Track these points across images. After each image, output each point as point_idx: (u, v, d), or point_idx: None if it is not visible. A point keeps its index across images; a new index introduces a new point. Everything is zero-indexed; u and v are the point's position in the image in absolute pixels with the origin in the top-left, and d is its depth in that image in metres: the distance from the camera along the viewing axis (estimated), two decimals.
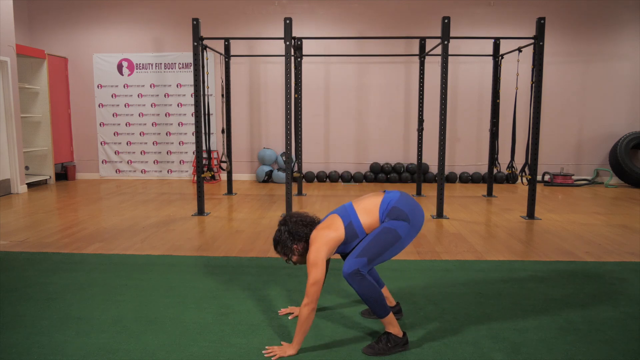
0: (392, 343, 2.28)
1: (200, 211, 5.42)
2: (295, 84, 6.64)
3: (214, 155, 8.25)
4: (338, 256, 3.80)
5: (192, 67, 8.09)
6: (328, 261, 2.37)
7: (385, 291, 2.65)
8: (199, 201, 5.42)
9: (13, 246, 4.12)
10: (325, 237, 2.27)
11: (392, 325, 2.29)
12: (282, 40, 5.57)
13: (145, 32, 8.27)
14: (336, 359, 2.24)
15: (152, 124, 8.44)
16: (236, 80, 8.05)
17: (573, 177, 7.93)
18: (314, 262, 2.22)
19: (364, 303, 2.23)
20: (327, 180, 8.28)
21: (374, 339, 2.42)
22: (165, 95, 8.35)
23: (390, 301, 2.67)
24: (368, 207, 2.34)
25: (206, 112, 5.98)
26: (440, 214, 5.28)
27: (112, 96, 8.41)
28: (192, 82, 8.14)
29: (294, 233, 2.35)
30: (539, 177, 8.16)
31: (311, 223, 2.40)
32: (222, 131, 6.56)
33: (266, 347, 2.32)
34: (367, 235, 2.33)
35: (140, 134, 8.47)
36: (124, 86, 8.38)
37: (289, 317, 2.66)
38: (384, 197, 2.37)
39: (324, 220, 2.41)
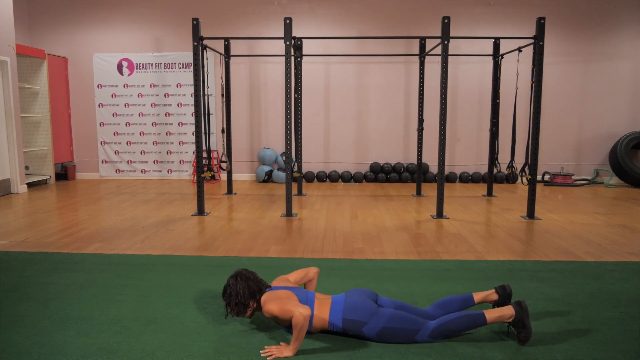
0: (520, 324, 2.32)
1: (200, 211, 5.42)
2: (295, 84, 6.64)
3: (214, 155, 8.25)
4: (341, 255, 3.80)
5: (192, 67, 8.06)
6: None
7: (477, 295, 2.59)
8: (199, 201, 5.42)
9: (13, 246, 4.12)
10: (279, 300, 2.37)
11: (501, 316, 2.34)
12: (282, 40, 5.57)
13: (145, 32, 8.27)
14: (336, 359, 2.24)
15: (152, 124, 8.44)
16: (236, 80, 8.05)
17: (573, 177, 7.93)
18: (285, 308, 2.31)
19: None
20: (327, 180, 8.28)
21: (369, 347, 2.40)
22: (165, 95, 8.35)
23: (492, 295, 2.59)
24: (322, 303, 2.43)
25: (206, 112, 5.98)
26: (440, 214, 5.28)
27: (112, 96, 8.41)
28: (192, 82, 8.14)
29: (252, 290, 2.47)
30: (539, 177, 8.16)
31: (261, 285, 2.52)
32: (222, 131, 6.56)
33: (265, 347, 2.32)
34: (310, 329, 2.41)
35: (140, 133, 8.47)
36: (124, 86, 8.38)
37: None
38: (332, 304, 2.42)
39: (278, 289, 2.49)
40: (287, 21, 5.06)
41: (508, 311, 2.34)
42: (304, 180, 8.27)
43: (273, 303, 2.35)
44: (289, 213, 5.30)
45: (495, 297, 2.58)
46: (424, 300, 2.90)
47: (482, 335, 2.46)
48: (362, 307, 2.37)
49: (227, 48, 6.71)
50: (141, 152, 8.51)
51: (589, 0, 7.86)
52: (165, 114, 8.39)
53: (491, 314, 2.35)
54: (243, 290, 2.45)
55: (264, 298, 2.43)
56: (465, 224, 5.00)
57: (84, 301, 2.89)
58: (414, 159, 8.18)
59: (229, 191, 6.97)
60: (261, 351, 2.29)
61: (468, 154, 8.28)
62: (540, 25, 5.10)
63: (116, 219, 5.20)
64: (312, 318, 2.38)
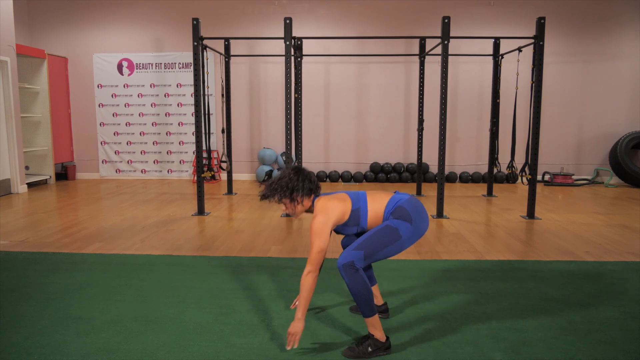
0: (374, 347, 2.23)
1: (201, 211, 5.42)
2: (295, 84, 6.64)
3: (214, 155, 8.25)
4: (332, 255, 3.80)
5: (192, 67, 8.09)
6: (336, 232, 2.42)
7: (375, 289, 2.64)
8: (199, 201, 5.42)
9: (13, 246, 4.12)
10: (333, 208, 2.28)
11: (375, 328, 2.25)
12: (282, 40, 5.57)
13: (145, 32, 8.27)
14: (334, 359, 2.24)
15: (152, 124, 8.44)
16: (236, 80, 8.05)
17: (573, 176, 7.93)
18: (320, 232, 2.21)
19: (355, 299, 2.21)
20: (327, 180, 8.28)
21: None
22: (165, 95, 8.35)
23: (378, 300, 2.66)
24: (377, 201, 2.35)
25: (206, 112, 5.98)
26: (440, 213, 5.28)
27: (112, 96, 8.41)
28: (192, 82, 8.14)
29: (309, 187, 2.36)
30: (539, 177, 8.16)
31: (318, 188, 2.41)
32: (222, 131, 6.56)
33: (287, 343, 2.19)
34: (366, 228, 2.34)
35: (140, 133, 8.47)
36: (124, 86, 8.38)
37: (291, 307, 2.64)
38: (393, 196, 2.37)
39: (333, 193, 2.42)
40: (287, 21, 5.06)
41: (382, 333, 2.26)
42: None
43: (318, 219, 2.24)
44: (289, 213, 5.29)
45: (380, 302, 2.67)
46: (424, 300, 2.90)
47: (482, 335, 2.46)
48: (421, 213, 2.32)
49: (227, 48, 6.71)
50: (141, 152, 8.51)
51: (589, 0, 7.86)
52: (165, 114, 8.39)
53: (377, 321, 2.25)
54: (297, 184, 2.35)
55: (320, 204, 2.32)
56: (465, 223, 5.00)
57: (84, 301, 2.89)
58: (414, 159, 8.18)
59: (229, 191, 6.97)
60: (287, 347, 2.20)
61: (468, 154, 8.28)
62: (540, 25, 5.10)
63: (116, 219, 5.20)
64: (368, 215, 2.32)
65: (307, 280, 2.17)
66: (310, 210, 2.42)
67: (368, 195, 2.38)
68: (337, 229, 2.37)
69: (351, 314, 2.70)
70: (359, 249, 2.21)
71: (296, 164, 6.88)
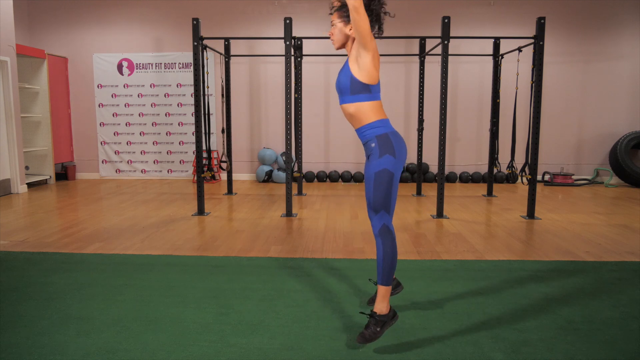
0: (380, 323, 2.27)
1: (201, 211, 5.42)
2: (295, 84, 6.64)
3: (214, 155, 8.25)
4: (333, 256, 3.80)
5: (192, 67, 8.09)
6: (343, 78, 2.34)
7: None
8: (199, 201, 5.42)
9: (13, 246, 4.12)
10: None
11: (384, 299, 2.29)
12: (282, 40, 5.57)
13: (145, 32, 8.27)
14: (336, 359, 2.24)
15: (152, 124, 8.44)
16: (236, 80, 8.05)
17: (573, 176, 7.93)
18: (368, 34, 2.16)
19: (377, 265, 2.28)
20: (327, 180, 8.28)
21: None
22: (165, 95, 8.35)
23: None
24: (378, 108, 2.31)
25: (206, 112, 5.98)
26: (440, 213, 5.28)
27: (112, 96, 8.41)
28: (192, 82, 8.14)
29: (371, 6, 2.26)
30: (539, 177, 8.16)
31: (378, 18, 2.32)
32: (222, 131, 6.57)
33: None
34: (349, 108, 2.31)
35: (140, 133, 8.47)
36: (124, 86, 8.38)
37: None
38: (386, 120, 2.33)
39: None
40: (287, 21, 5.06)
41: (387, 304, 2.31)
42: (304, 180, 8.27)
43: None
44: (289, 213, 5.30)
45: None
46: (424, 300, 2.90)
47: (482, 335, 2.46)
48: (403, 148, 2.31)
49: (227, 48, 6.71)
50: (141, 152, 8.51)
51: (589, 0, 7.86)
52: (166, 114, 8.39)
53: (387, 291, 2.30)
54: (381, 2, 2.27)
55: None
56: (466, 223, 5.00)
57: (84, 301, 2.90)
58: (414, 159, 8.18)
59: (229, 191, 6.97)
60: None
61: (468, 154, 8.28)
62: (540, 25, 5.10)
63: (116, 219, 5.20)
64: (363, 103, 2.28)
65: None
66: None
67: (380, 103, 2.34)
68: (343, 72, 2.31)
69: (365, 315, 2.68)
70: (376, 210, 2.28)
71: (295, 162, 6.88)
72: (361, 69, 2.25)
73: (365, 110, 2.29)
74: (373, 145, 2.28)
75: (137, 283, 3.20)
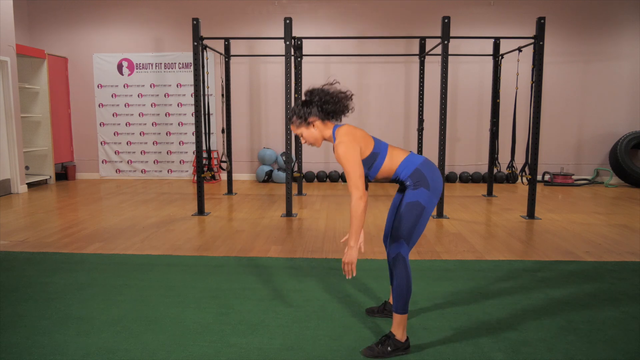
0: (393, 347, 2.24)
1: (201, 211, 5.42)
2: (296, 84, 6.64)
3: (214, 155, 8.25)
4: (335, 256, 3.80)
5: (192, 67, 8.09)
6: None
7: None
8: (199, 201, 5.42)
9: (13, 246, 4.12)
10: (362, 136, 2.23)
11: (401, 326, 2.26)
12: (282, 40, 5.57)
13: (145, 32, 8.27)
14: (335, 358, 2.24)
15: (152, 124, 8.44)
16: (236, 80, 8.05)
17: (573, 176, 7.93)
18: (347, 154, 2.14)
19: (393, 292, 2.24)
20: (327, 180, 8.28)
21: (373, 339, 2.41)
22: (165, 95, 8.35)
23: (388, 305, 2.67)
24: (394, 156, 2.30)
25: (206, 112, 5.98)
26: (440, 213, 5.28)
27: (112, 96, 8.41)
28: (192, 82, 8.14)
29: (321, 107, 2.25)
30: (539, 177, 8.16)
31: (341, 108, 2.29)
32: (222, 131, 6.57)
33: (343, 267, 2.16)
34: (373, 177, 2.31)
35: (140, 133, 8.47)
36: (124, 86, 8.38)
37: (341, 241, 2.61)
38: (409, 156, 2.31)
39: (357, 128, 2.33)
40: (287, 21, 5.06)
41: (403, 333, 2.27)
42: (304, 180, 8.27)
43: (343, 145, 2.16)
44: (289, 213, 5.30)
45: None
46: (424, 300, 2.90)
47: (482, 335, 2.46)
48: (437, 177, 2.28)
49: (227, 48, 6.71)
50: (141, 152, 8.51)
51: (589, 0, 7.86)
52: (165, 114, 8.39)
53: (403, 319, 2.27)
54: (316, 101, 2.24)
55: (343, 130, 2.23)
56: (465, 223, 5.00)
57: (84, 301, 2.90)
58: None
59: (229, 191, 6.97)
60: (344, 273, 2.16)
61: (468, 154, 8.28)
62: (540, 25, 5.10)
63: (116, 219, 5.20)
64: (381, 166, 2.27)
65: (359, 207, 2.10)
66: (326, 138, 2.32)
67: (389, 148, 2.32)
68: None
69: (366, 316, 2.69)
70: (398, 238, 2.23)
71: (295, 162, 6.88)
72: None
73: (387, 168, 2.29)
74: (408, 183, 2.27)
75: (137, 283, 3.20)
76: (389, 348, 2.24)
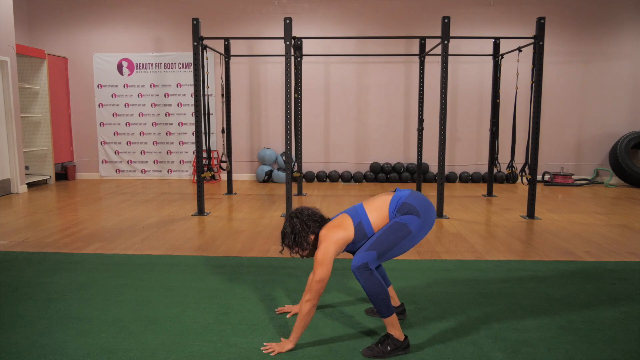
0: (392, 346, 2.25)
1: (200, 211, 5.42)
2: (295, 84, 6.64)
3: (214, 155, 8.25)
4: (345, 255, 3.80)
5: (192, 67, 8.08)
6: (350, 253, 2.40)
7: (391, 290, 2.64)
8: (199, 201, 5.42)
9: (13, 246, 4.12)
10: (335, 237, 2.27)
11: (394, 327, 2.27)
12: (282, 40, 5.57)
13: (145, 32, 8.27)
14: (335, 359, 2.24)
15: (152, 124, 8.44)
16: (236, 80, 8.05)
17: (573, 176, 7.93)
18: (322, 261, 2.21)
19: (369, 300, 2.24)
20: (327, 180, 8.28)
21: (374, 339, 2.41)
22: (165, 95, 8.35)
23: (395, 301, 2.66)
24: (378, 206, 2.34)
25: (206, 112, 5.98)
26: (440, 213, 5.28)
27: (112, 96, 8.41)
28: (192, 82, 8.14)
29: (308, 226, 2.34)
30: (539, 177, 8.16)
31: (321, 219, 2.40)
32: (222, 131, 6.57)
33: (264, 344, 2.33)
34: (373, 229, 2.33)
35: (140, 133, 8.47)
36: (124, 86, 8.38)
37: (287, 316, 2.66)
38: (394, 195, 2.36)
39: (333, 218, 2.41)
40: (287, 21, 5.06)
41: (400, 333, 2.27)
42: (304, 180, 8.27)
43: (321, 248, 2.24)
44: None
45: (397, 304, 2.65)
46: (424, 300, 2.90)
47: (482, 335, 2.46)
48: (426, 204, 2.31)
49: (227, 48, 6.71)
50: (141, 152, 8.51)
51: (589, 0, 7.86)
52: (165, 114, 8.39)
53: (395, 319, 2.27)
54: (296, 227, 2.33)
55: (322, 233, 2.31)
56: (465, 223, 5.00)
57: (84, 301, 2.89)
58: (414, 159, 8.18)
59: (229, 191, 6.97)
60: (262, 348, 2.30)
61: (468, 154, 8.28)
62: (540, 25, 5.10)
63: (116, 219, 5.20)
64: (372, 225, 2.30)
65: (305, 308, 2.21)
66: (315, 242, 2.41)
67: (365, 205, 2.38)
68: (349, 249, 2.36)
69: (367, 316, 2.69)
70: (371, 249, 2.22)
71: (295, 162, 6.87)
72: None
73: (379, 219, 2.31)
74: (397, 213, 2.31)
75: (137, 283, 3.20)
76: (388, 347, 2.24)
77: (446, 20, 5.08)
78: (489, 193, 6.80)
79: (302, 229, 2.33)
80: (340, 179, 8.28)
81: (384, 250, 2.23)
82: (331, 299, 2.92)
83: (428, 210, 2.30)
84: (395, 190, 2.42)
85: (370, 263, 2.21)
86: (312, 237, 2.35)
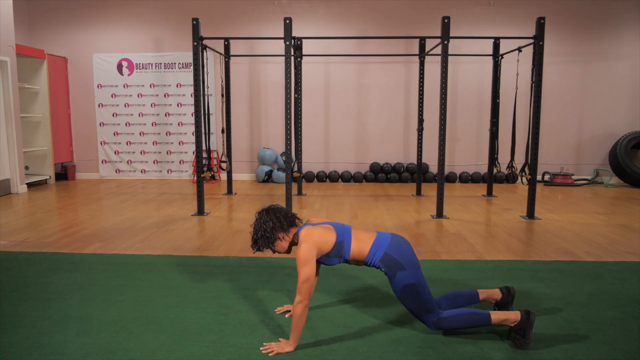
0: (521, 332, 2.29)
1: (200, 211, 5.42)
2: (295, 84, 6.64)
3: (214, 155, 8.25)
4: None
5: (192, 67, 8.05)
6: (319, 264, 2.45)
7: (482, 292, 2.61)
8: (199, 201, 5.42)
9: (13, 246, 4.12)
10: (319, 237, 2.32)
11: (506, 319, 2.32)
12: (282, 40, 5.57)
13: (145, 32, 8.27)
14: (335, 359, 2.24)
15: (152, 124, 8.44)
16: (236, 80, 8.05)
17: (573, 176, 7.93)
18: (305, 260, 2.24)
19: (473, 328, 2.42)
20: (327, 180, 8.28)
21: (374, 338, 2.41)
22: (165, 95, 8.35)
23: (497, 294, 2.62)
24: (361, 240, 2.40)
25: (206, 112, 5.98)
26: (440, 213, 5.28)
27: (112, 96, 8.41)
28: (192, 82, 8.14)
29: (280, 222, 2.39)
30: (538, 177, 8.17)
31: (292, 217, 2.45)
32: (222, 131, 6.57)
33: (264, 343, 2.34)
34: (349, 260, 2.39)
35: (140, 134, 8.47)
36: (124, 86, 8.38)
37: (286, 316, 2.67)
38: (376, 239, 2.40)
39: (318, 224, 2.44)
40: (287, 21, 5.06)
41: (514, 316, 2.33)
42: (304, 180, 8.27)
43: (302, 247, 2.27)
44: None
45: (499, 296, 2.61)
46: None
47: (482, 334, 2.46)
48: (407, 252, 2.37)
49: (227, 48, 6.71)
50: (141, 152, 8.51)
51: (589, 0, 7.86)
52: (165, 114, 8.39)
53: (496, 316, 2.34)
54: (273, 223, 2.37)
55: (303, 233, 2.35)
56: (465, 223, 5.00)
57: (84, 301, 2.89)
58: (414, 159, 8.18)
59: (229, 191, 6.97)
60: (261, 348, 2.30)
61: (468, 154, 8.28)
62: (540, 25, 5.10)
63: (116, 219, 5.20)
64: (350, 250, 2.36)
65: (297, 310, 2.23)
66: (295, 242, 2.44)
67: (352, 231, 2.43)
68: (320, 260, 2.39)
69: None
70: (421, 314, 2.37)
71: (295, 162, 6.88)
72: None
73: (357, 251, 2.37)
74: (384, 270, 2.36)
75: (137, 283, 3.20)
76: (518, 336, 2.31)
77: (446, 21, 5.08)
78: (489, 193, 6.80)
79: (279, 224, 2.39)
80: (340, 179, 8.28)
81: (423, 308, 2.35)
82: (331, 299, 2.91)
83: (408, 257, 2.36)
84: (376, 233, 2.45)
85: (434, 317, 2.36)
86: (283, 234, 2.39)
